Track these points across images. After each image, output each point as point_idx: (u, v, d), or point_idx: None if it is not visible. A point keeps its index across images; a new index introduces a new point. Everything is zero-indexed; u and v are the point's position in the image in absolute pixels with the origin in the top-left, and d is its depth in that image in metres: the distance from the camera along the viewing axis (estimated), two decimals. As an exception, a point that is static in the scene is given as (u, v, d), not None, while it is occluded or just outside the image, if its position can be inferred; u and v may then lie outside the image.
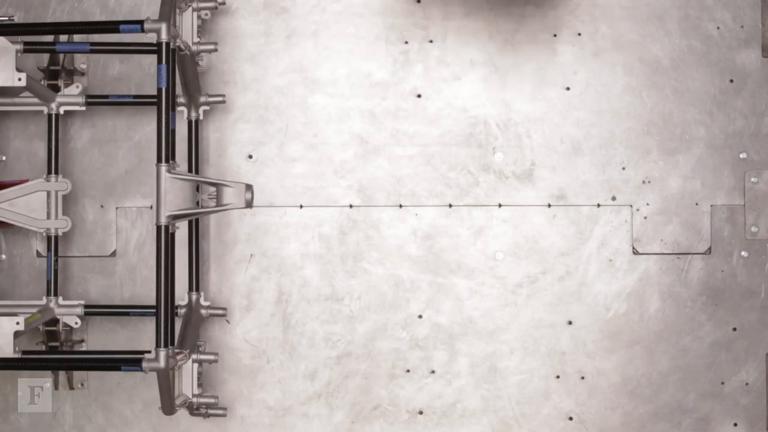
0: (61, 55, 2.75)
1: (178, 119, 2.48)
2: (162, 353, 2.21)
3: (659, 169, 2.84)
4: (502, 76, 2.84)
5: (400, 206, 2.85)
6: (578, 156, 2.85)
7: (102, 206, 2.87)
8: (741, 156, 2.84)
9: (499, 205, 2.85)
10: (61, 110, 2.70)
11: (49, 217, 2.68)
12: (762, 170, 2.84)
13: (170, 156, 2.27)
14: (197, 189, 2.68)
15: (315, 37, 2.85)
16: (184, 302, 2.70)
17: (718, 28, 2.84)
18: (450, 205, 2.85)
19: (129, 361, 2.25)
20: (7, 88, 2.39)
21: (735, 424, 2.83)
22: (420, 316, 2.82)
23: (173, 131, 2.29)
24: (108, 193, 2.87)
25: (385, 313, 2.84)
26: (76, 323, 2.70)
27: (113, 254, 2.87)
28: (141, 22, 2.23)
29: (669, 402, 2.84)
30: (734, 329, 2.83)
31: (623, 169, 2.84)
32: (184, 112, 2.72)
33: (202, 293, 2.73)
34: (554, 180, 2.84)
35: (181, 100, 2.68)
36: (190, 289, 2.72)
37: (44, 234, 2.70)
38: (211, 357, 2.53)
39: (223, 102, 2.74)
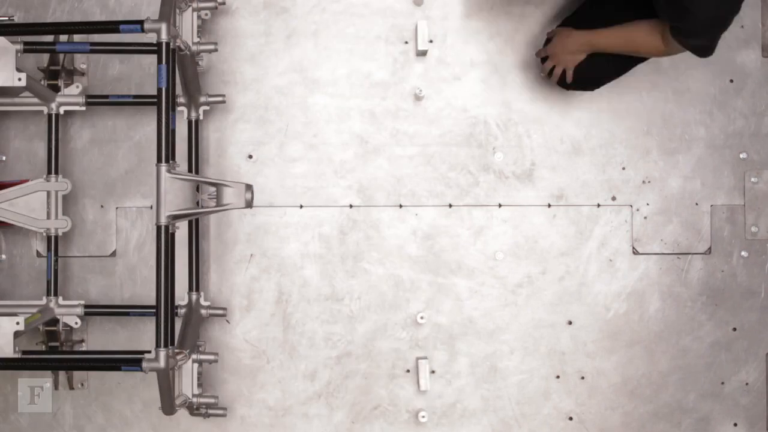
0: (61, 55, 2.75)
1: (178, 119, 2.48)
2: (162, 353, 2.20)
3: (659, 169, 2.85)
4: (502, 76, 2.84)
5: (400, 206, 2.85)
6: (578, 156, 2.85)
7: (102, 206, 2.87)
8: (741, 156, 2.84)
9: (499, 205, 2.85)
10: (61, 110, 2.70)
11: (49, 217, 2.68)
12: (762, 170, 2.84)
13: (170, 156, 2.26)
14: (197, 189, 2.68)
15: (315, 37, 2.86)
16: (184, 302, 2.70)
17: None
18: (450, 205, 2.85)
19: (129, 361, 2.24)
20: (7, 88, 2.38)
21: (735, 424, 2.83)
22: (421, 317, 2.82)
23: (173, 131, 2.28)
24: (108, 193, 2.87)
25: (385, 313, 2.84)
26: (76, 323, 2.70)
27: (113, 254, 2.87)
28: (141, 22, 2.22)
29: (669, 402, 2.84)
30: (734, 329, 2.83)
31: (623, 169, 2.84)
32: (184, 112, 2.72)
33: (202, 293, 2.73)
34: (554, 180, 2.84)
35: (181, 100, 2.68)
36: (190, 289, 2.72)
37: (44, 234, 2.70)
38: (211, 357, 2.53)
39: (223, 102, 2.74)
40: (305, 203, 2.86)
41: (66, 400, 2.87)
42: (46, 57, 2.73)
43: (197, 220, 2.75)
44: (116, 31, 2.25)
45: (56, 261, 2.68)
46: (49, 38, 2.62)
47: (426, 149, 2.85)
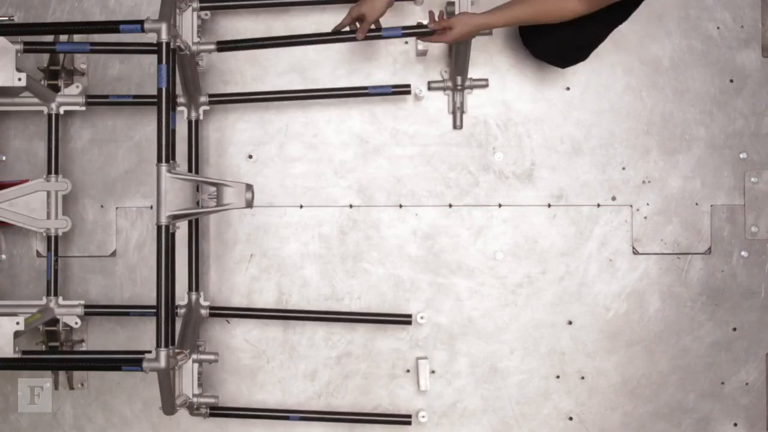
0: (61, 55, 2.75)
1: (178, 119, 2.48)
2: (162, 353, 2.20)
3: (659, 169, 2.85)
4: (502, 76, 2.84)
5: (400, 206, 2.85)
6: (578, 156, 2.85)
7: (102, 206, 2.87)
8: (741, 156, 2.84)
9: (499, 205, 2.85)
10: (61, 110, 2.70)
11: (49, 217, 2.68)
12: (762, 170, 2.84)
13: (170, 156, 2.26)
14: (197, 189, 2.68)
15: (315, 37, 2.85)
16: (184, 302, 2.70)
17: (718, 28, 2.84)
18: (450, 205, 2.85)
19: (129, 361, 2.24)
20: (7, 88, 2.38)
21: (735, 424, 2.83)
22: (421, 317, 2.82)
23: (173, 131, 2.28)
24: (108, 193, 2.87)
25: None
26: (76, 323, 2.70)
27: (113, 254, 2.87)
28: (141, 22, 2.22)
29: (669, 402, 2.84)
30: (734, 329, 2.83)
31: (623, 169, 2.84)
32: (184, 112, 2.72)
33: (201, 293, 2.73)
34: (554, 180, 2.84)
35: (181, 100, 2.68)
36: (190, 289, 2.72)
37: (44, 234, 2.70)
38: (212, 357, 2.53)
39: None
40: (305, 203, 2.86)
41: (66, 400, 2.87)
42: (46, 57, 2.73)
43: (197, 220, 2.75)
44: (116, 31, 2.25)
45: (56, 261, 2.68)
46: (49, 38, 2.62)
47: (426, 149, 2.85)
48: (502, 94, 2.85)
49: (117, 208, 2.87)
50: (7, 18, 2.45)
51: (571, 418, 2.84)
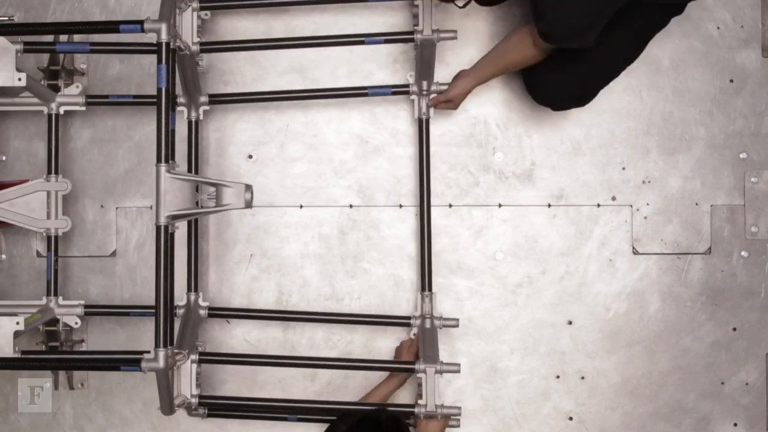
0: (61, 55, 2.75)
1: (178, 119, 2.48)
2: (161, 353, 2.20)
3: (659, 169, 2.84)
4: (502, 77, 2.84)
5: (400, 206, 2.85)
6: (578, 156, 2.85)
7: (102, 206, 2.87)
8: (741, 156, 2.84)
9: (499, 205, 2.85)
10: (61, 110, 2.70)
11: (49, 217, 2.68)
12: (762, 170, 2.84)
13: (170, 156, 2.26)
14: (197, 189, 2.68)
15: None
16: (183, 302, 2.70)
17: (718, 28, 2.84)
18: (450, 205, 2.85)
19: (128, 361, 2.24)
20: (7, 88, 2.38)
21: (735, 424, 2.83)
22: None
23: (173, 131, 2.28)
24: (108, 193, 2.87)
25: (385, 313, 2.84)
26: (76, 323, 2.70)
27: (113, 254, 2.87)
28: (141, 22, 2.22)
29: (669, 402, 2.84)
30: (734, 329, 2.83)
31: (623, 169, 2.84)
32: (184, 112, 2.72)
33: (200, 293, 2.72)
34: (554, 180, 2.84)
35: (181, 100, 2.68)
36: (189, 289, 2.71)
37: (44, 234, 2.70)
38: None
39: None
40: (305, 203, 2.86)
41: (66, 400, 2.87)
42: (46, 57, 2.73)
43: (197, 220, 2.75)
44: (116, 31, 2.25)
45: (56, 261, 2.68)
46: (49, 38, 2.62)
47: (426, 149, 2.85)
48: (502, 94, 2.85)
49: (117, 208, 2.87)
50: (7, 18, 2.45)
51: (571, 418, 2.84)
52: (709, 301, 2.84)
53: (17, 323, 2.30)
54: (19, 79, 2.36)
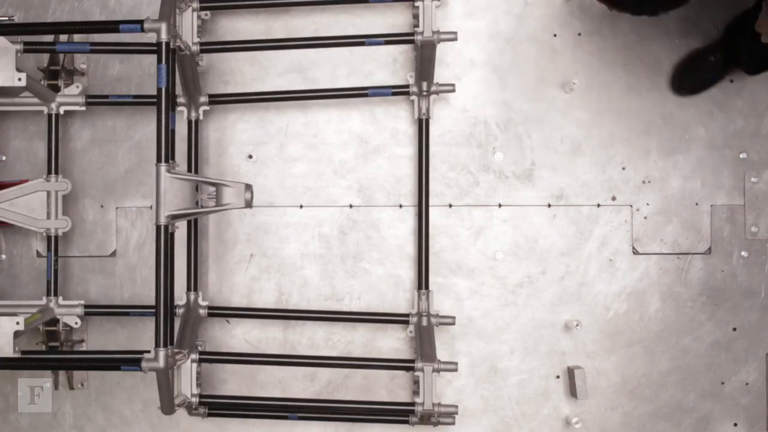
0: (61, 55, 2.75)
1: (178, 119, 2.48)
2: (161, 353, 2.21)
3: (659, 169, 2.84)
4: (502, 77, 2.84)
5: (400, 206, 2.85)
6: (578, 156, 2.85)
7: (102, 206, 2.87)
8: (741, 156, 2.84)
9: (499, 205, 2.85)
10: (61, 110, 2.70)
11: (49, 217, 2.68)
12: (762, 170, 2.84)
13: (170, 156, 2.27)
14: (197, 189, 2.68)
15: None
16: (183, 302, 2.70)
17: (717, 28, 2.83)
18: (450, 205, 2.85)
19: (128, 361, 2.24)
20: (7, 88, 2.39)
21: (735, 424, 2.83)
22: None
23: (173, 131, 2.29)
24: (108, 193, 2.87)
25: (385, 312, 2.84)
26: (76, 323, 2.70)
27: (113, 254, 2.87)
28: (141, 22, 2.23)
29: (669, 402, 2.84)
30: (734, 329, 2.83)
31: (623, 169, 2.84)
32: (184, 112, 2.72)
33: (200, 293, 2.73)
34: (554, 180, 2.84)
35: (181, 100, 2.69)
36: (189, 288, 2.72)
37: (44, 234, 2.70)
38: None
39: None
40: (305, 203, 2.86)
41: (66, 400, 2.87)
42: (46, 57, 2.73)
43: (197, 220, 2.75)
44: (116, 31, 2.25)
45: (56, 261, 2.68)
46: (49, 38, 2.62)
47: (426, 149, 2.85)
48: (502, 94, 2.85)
49: (117, 208, 2.87)
50: (7, 18, 2.46)
51: (571, 418, 2.84)
52: (709, 301, 2.84)
53: (17, 323, 2.31)
54: (19, 79, 2.36)
